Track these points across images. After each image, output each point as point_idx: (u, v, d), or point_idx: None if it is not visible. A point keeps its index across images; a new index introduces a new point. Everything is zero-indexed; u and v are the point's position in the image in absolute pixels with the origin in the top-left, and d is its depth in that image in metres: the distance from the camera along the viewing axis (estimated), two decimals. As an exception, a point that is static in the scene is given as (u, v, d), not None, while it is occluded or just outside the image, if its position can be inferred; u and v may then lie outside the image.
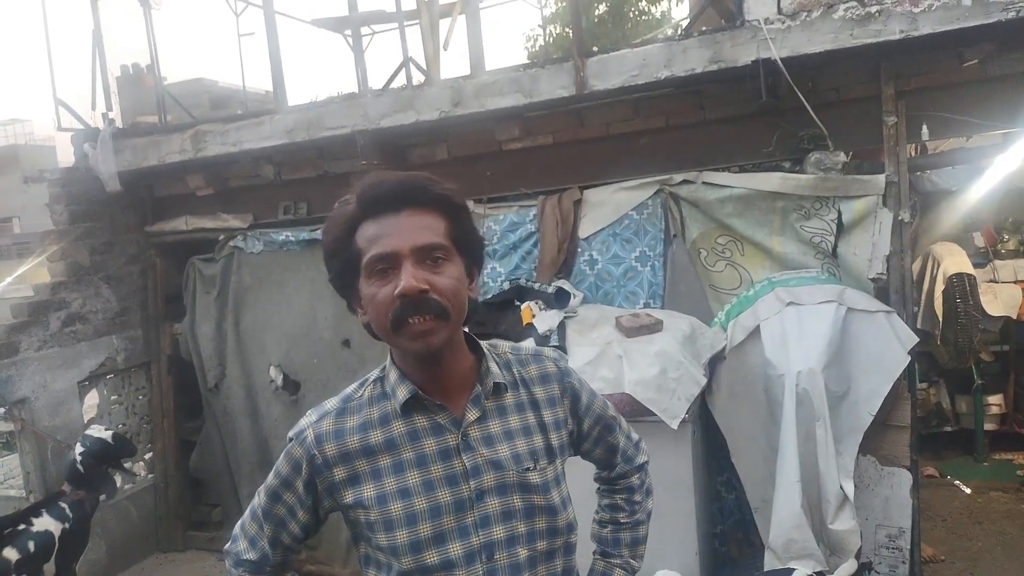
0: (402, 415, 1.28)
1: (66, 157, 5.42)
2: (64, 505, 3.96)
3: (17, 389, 4.51)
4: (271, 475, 1.36)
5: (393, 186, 1.23)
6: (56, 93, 5.03)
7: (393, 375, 1.30)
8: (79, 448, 4.05)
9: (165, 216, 5.33)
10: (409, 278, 1.17)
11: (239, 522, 1.42)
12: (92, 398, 5.09)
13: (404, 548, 1.23)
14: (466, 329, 1.33)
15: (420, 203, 1.23)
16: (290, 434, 1.34)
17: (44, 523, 3.87)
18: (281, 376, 5.00)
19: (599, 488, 1.63)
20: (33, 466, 4.59)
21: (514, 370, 1.37)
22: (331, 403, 1.35)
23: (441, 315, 1.19)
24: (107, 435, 4.15)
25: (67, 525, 3.93)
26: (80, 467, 4.02)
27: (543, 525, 1.30)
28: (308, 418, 1.34)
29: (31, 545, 3.80)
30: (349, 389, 1.36)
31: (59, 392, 4.74)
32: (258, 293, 5.06)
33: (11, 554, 3.72)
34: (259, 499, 1.37)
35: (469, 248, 1.29)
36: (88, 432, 4.20)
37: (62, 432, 4.70)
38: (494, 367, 1.33)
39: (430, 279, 1.19)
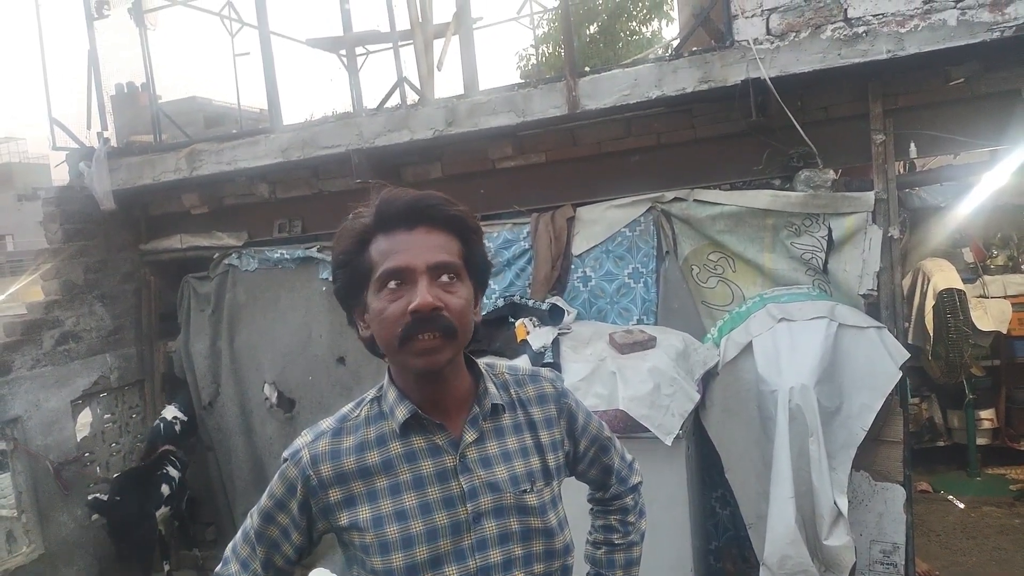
0: (400, 435, 1.27)
1: (61, 176, 5.43)
2: (175, 458, 4.82)
3: (10, 408, 4.48)
4: (264, 496, 1.33)
5: (409, 202, 1.23)
6: (51, 112, 5.05)
7: (392, 394, 1.29)
8: (176, 412, 5.02)
9: (160, 234, 5.34)
10: (425, 294, 1.17)
11: (231, 544, 1.38)
12: (85, 416, 5.06)
13: (400, 572, 1.22)
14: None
15: (435, 222, 1.23)
16: (285, 454, 1.31)
17: (173, 472, 4.76)
18: (276, 394, 4.99)
19: (593, 509, 1.62)
20: (25, 486, 4.55)
21: (511, 391, 1.37)
22: (327, 423, 1.33)
23: (449, 334, 1.19)
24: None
25: (183, 474, 4.86)
26: (178, 428, 4.98)
27: (540, 548, 1.29)
28: (303, 438, 1.31)
29: (173, 485, 4.72)
30: (345, 409, 1.34)
31: (52, 411, 4.71)
32: (252, 311, 5.05)
33: (165, 490, 4.67)
34: (252, 520, 1.34)
35: (478, 271, 1.29)
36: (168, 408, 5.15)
37: (54, 452, 4.67)
38: (492, 388, 1.33)
39: (443, 298, 1.19)
